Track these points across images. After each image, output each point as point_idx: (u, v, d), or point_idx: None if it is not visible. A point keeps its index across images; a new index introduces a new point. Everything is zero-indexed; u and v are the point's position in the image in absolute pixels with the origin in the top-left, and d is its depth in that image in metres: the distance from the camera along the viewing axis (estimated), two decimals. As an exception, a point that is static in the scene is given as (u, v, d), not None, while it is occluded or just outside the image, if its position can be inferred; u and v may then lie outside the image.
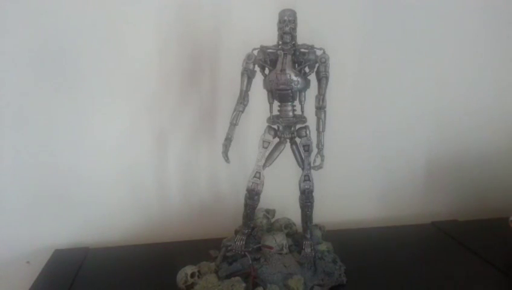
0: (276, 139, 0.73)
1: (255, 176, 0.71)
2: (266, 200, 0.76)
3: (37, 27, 0.84)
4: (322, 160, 0.70)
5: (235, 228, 0.80)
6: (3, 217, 0.90)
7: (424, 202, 1.08)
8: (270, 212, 0.83)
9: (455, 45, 1.00)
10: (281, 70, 0.68)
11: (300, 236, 0.78)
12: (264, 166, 0.72)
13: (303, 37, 0.70)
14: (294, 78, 0.68)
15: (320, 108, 0.69)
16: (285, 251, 0.75)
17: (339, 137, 0.89)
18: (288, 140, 0.73)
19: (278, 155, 0.73)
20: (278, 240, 0.75)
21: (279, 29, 0.68)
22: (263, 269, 0.71)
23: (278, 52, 0.69)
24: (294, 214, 0.78)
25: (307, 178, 0.72)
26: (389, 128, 1.02)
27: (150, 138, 0.93)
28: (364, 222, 1.03)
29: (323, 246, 0.79)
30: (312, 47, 0.70)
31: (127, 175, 0.94)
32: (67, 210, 0.93)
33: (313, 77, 0.71)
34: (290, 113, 0.71)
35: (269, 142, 0.72)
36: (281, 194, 0.83)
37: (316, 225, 0.82)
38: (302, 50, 0.70)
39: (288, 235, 0.79)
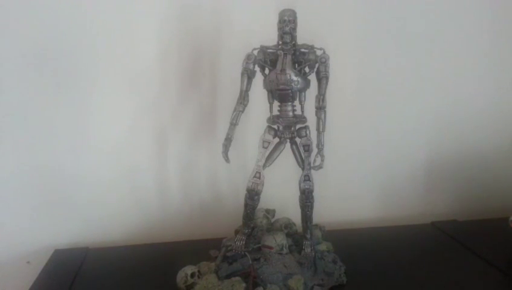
0: (276, 139, 0.73)
1: (255, 176, 0.71)
2: (266, 200, 0.76)
3: (38, 28, 0.84)
4: (322, 160, 0.70)
5: (235, 228, 0.80)
6: (4, 217, 0.90)
7: (424, 202, 1.08)
8: (270, 212, 0.83)
9: (455, 45, 1.00)
10: (281, 70, 0.68)
11: (300, 236, 0.78)
12: (264, 166, 0.72)
13: (303, 37, 0.70)
14: (294, 78, 0.68)
15: (320, 108, 0.69)
16: (285, 251, 0.74)
17: (339, 137, 0.89)
18: (288, 140, 0.73)
19: (278, 155, 0.73)
20: (278, 240, 0.75)
21: (279, 29, 0.68)
22: (263, 269, 0.71)
23: (278, 52, 0.69)
24: (294, 214, 0.78)
25: (307, 178, 0.72)
26: (389, 128, 1.03)
27: (150, 138, 0.93)
28: (364, 222, 1.03)
29: (323, 246, 0.79)
30: (312, 47, 0.70)
31: (127, 175, 0.94)
32: (67, 210, 0.93)
33: (313, 77, 0.71)
34: (290, 113, 0.71)
35: (269, 142, 0.72)
36: (281, 194, 0.83)
37: (316, 225, 0.81)
38: (302, 50, 0.69)
39: (288, 235, 0.79)
